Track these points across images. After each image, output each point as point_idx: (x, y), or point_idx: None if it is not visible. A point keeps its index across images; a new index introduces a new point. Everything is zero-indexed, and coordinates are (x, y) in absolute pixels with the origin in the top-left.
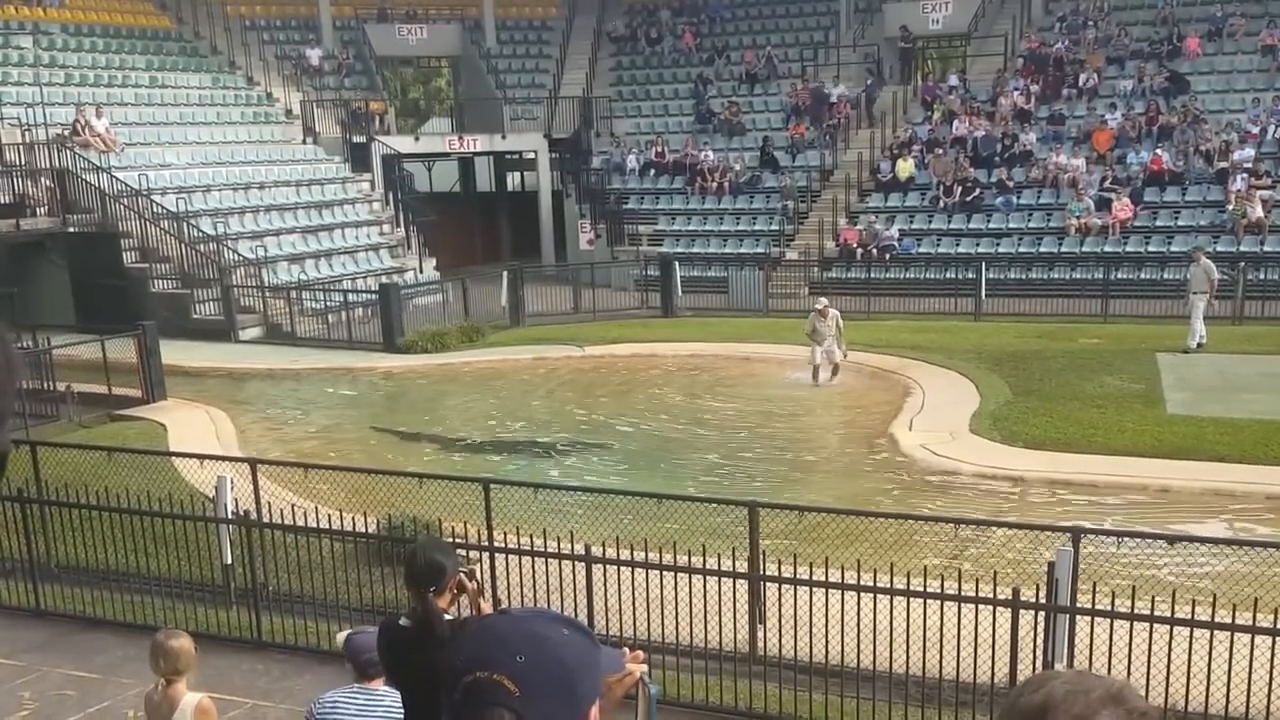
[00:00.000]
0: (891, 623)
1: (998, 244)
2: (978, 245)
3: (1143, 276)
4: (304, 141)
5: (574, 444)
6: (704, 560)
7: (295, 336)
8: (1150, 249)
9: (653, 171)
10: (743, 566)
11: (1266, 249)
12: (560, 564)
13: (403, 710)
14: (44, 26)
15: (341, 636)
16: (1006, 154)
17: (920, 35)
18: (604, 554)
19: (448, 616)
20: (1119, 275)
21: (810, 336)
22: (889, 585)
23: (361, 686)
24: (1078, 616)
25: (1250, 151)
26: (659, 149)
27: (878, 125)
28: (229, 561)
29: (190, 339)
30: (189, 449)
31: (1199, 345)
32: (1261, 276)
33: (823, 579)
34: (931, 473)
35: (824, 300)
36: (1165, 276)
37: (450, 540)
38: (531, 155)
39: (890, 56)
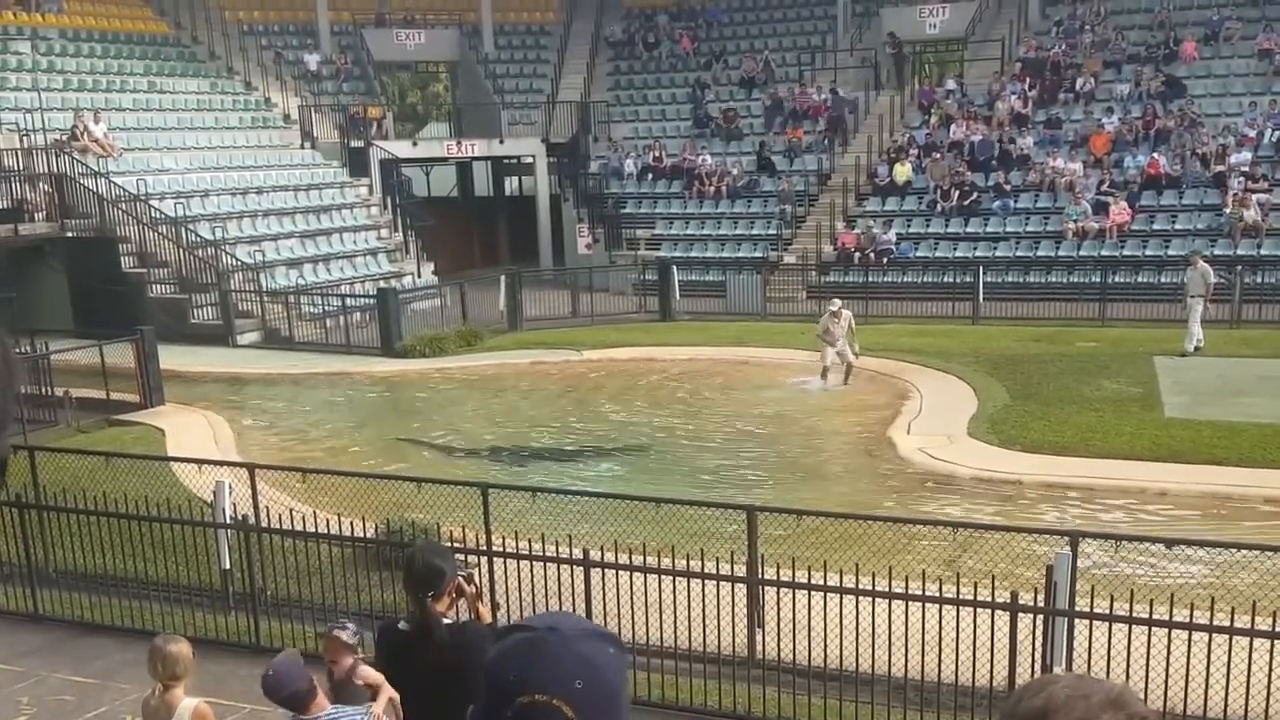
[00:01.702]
0: (890, 626)
1: (995, 247)
2: (975, 249)
3: (1140, 280)
4: (302, 146)
5: (573, 449)
6: (702, 564)
7: (293, 341)
8: (1147, 252)
9: (650, 176)
10: (741, 570)
11: (1263, 252)
12: (559, 568)
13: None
14: (42, 32)
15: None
16: (1004, 158)
17: (917, 40)
18: (603, 558)
19: (446, 620)
20: (1116, 279)
21: (822, 337)
22: (887, 589)
23: (302, 717)
24: (1076, 620)
25: (1247, 155)
26: (657, 153)
27: (862, 132)
28: (227, 566)
29: (188, 344)
30: (187, 454)
31: (1196, 348)
32: (1258, 280)
33: (821, 583)
34: (929, 476)
35: (838, 302)
36: (1162, 280)
37: (449, 545)
38: (529, 160)
39: (887, 61)
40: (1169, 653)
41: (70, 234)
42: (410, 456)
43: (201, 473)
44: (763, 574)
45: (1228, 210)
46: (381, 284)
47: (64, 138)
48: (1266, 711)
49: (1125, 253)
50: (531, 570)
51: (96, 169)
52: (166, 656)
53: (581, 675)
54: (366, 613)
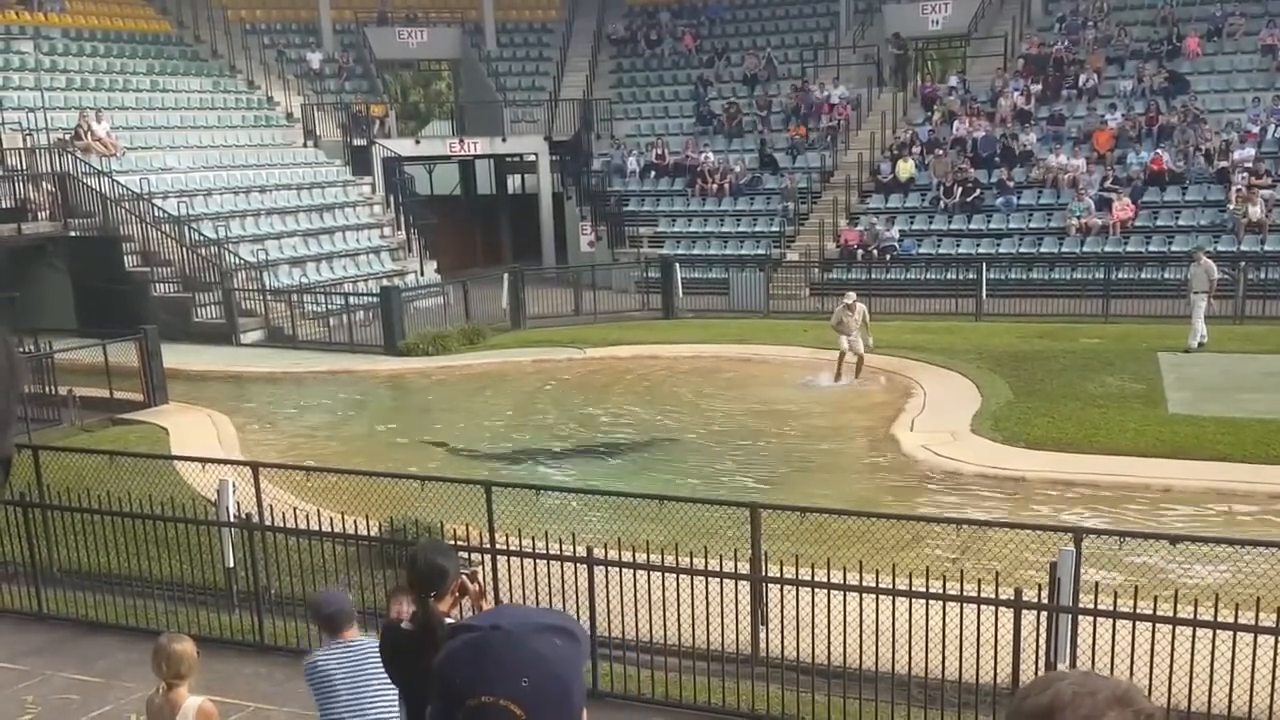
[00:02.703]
0: (894, 623)
1: (998, 244)
2: (978, 246)
3: (1143, 276)
4: (305, 145)
5: (578, 448)
6: (706, 562)
7: (296, 340)
8: (1151, 249)
9: (653, 173)
10: (745, 568)
11: (1267, 248)
12: (562, 566)
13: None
14: (45, 31)
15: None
16: (1007, 154)
17: (920, 36)
18: (606, 556)
19: (449, 620)
20: (1120, 275)
21: (836, 329)
22: (891, 586)
23: (336, 640)
24: (1080, 617)
25: (1250, 151)
26: (659, 151)
27: (864, 129)
28: (231, 565)
29: (192, 342)
30: (191, 453)
31: (1200, 345)
32: (1262, 276)
33: (824, 580)
34: (933, 473)
35: (852, 295)
36: (1166, 276)
37: (452, 543)
38: (532, 158)
39: (890, 61)
40: (1173, 649)
41: (73, 233)
42: (422, 456)
43: (205, 471)
44: (766, 571)
45: (1231, 206)
46: (384, 282)
47: (67, 137)
48: (1270, 709)
49: (1129, 249)
50: (535, 568)
51: (99, 168)
52: (171, 655)
53: (528, 673)
54: (370, 611)
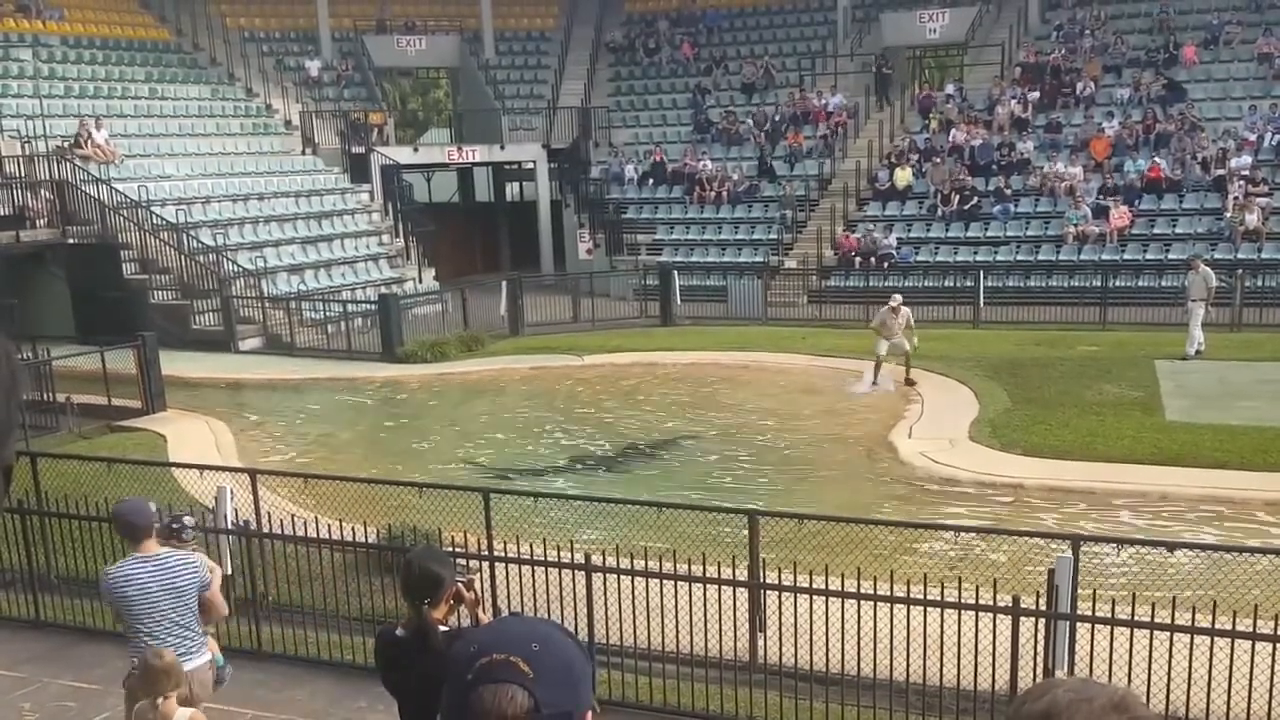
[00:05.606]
0: (892, 630)
1: (996, 252)
2: (976, 253)
3: (1141, 284)
4: (303, 152)
5: (575, 456)
6: (704, 568)
7: (295, 347)
8: (1148, 256)
9: (651, 181)
10: (743, 574)
11: (1264, 256)
12: (560, 573)
13: (194, 568)
14: (44, 39)
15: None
16: (1004, 162)
17: (917, 45)
18: (604, 563)
19: (444, 628)
20: (1117, 283)
21: (878, 331)
22: (889, 593)
23: (144, 556)
24: (1078, 623)
25: (1247, 159)
26: (658, 158)
27: (862, 137)
28: (229, 572)
29: (190, 350)
30: (189, 459)
31: (1197, 352)
32: (1259, 283)
33: (823, 587)
34: (931, 480)
35: (898, 297)
36: (1163, 284)
37: (450, 550)
38: (530, 165)
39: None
40: (1170, 656)
41: (72, 240)
42: (422, 463)
43: (203, 478)
44: (764, 578)
45: (1228, 214)
46: (383, 289)
47: (66, 144)
48: (1269, 715)
49: (1126, 257)
50: (533, 575)
51: (98, 176)
52: (158, 675)
53: (538, 641)
54: (368, 618)
